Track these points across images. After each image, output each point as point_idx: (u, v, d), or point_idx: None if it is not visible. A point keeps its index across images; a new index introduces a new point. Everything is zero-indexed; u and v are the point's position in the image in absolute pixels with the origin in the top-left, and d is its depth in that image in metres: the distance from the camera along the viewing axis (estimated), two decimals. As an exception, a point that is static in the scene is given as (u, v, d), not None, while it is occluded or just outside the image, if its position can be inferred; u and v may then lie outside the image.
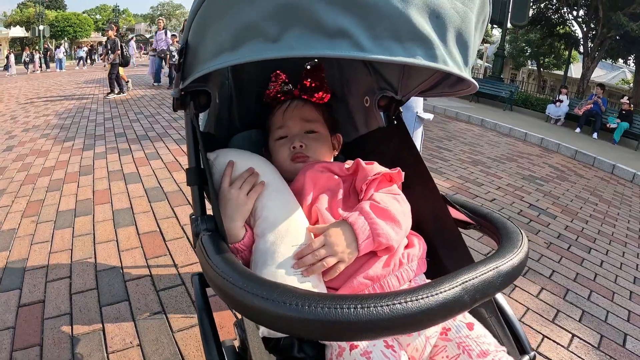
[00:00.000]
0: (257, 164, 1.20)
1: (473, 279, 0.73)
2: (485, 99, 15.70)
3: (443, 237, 1.27)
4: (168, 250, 3.20)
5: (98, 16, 76.05)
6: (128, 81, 13.45)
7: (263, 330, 1.04)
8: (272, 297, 0.65)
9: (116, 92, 12.20)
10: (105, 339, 2.30)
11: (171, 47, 13.64)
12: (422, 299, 0.65)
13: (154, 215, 3.79)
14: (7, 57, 31.32)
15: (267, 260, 1.02)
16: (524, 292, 3.12)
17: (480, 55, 38.10)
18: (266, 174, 1.18)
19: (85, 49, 39.83)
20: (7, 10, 66.02)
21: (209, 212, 1.08)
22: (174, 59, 13.41)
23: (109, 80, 12.26)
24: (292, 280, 0.98)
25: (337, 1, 0.70)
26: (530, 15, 18.41)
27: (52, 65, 32.74)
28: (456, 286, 0.70)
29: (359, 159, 1.25)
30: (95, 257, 3.11)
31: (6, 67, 30.67)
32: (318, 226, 1.09)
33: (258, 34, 0.75)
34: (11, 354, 2.23)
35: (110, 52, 12.16)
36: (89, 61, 37.29)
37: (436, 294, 0.67)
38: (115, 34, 12.39)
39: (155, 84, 15.27)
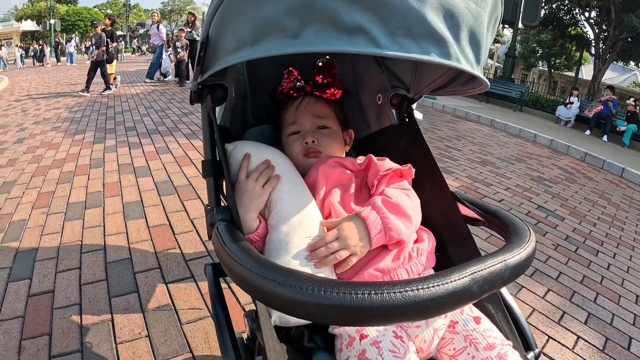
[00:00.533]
0: (273, 157, 1.22)
1: (482, 270, 0.76)
2: (495, 99, 15.68)
3: (452, 233, 1.29)
4: (177, 243, 3.22)
5: (109, 10, 76.27)
6: (116, 78, 13.20)
7: (275, 319, 1.06)
8: (289, 283, 0.67)
9: (108, 90, 11.94)
10: (114, 330, 2.33)
11: (177, 43, 13.54)
12: (433, 287, 0.67)
13: (164, 209, 3.82)
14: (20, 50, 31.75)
15: (280, 251, 1.04)
16: (531, 292, 3.12)
17: (491, 55, 37.99)
18: (282, 167, 1.20)
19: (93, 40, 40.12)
20: (19, 4, 66.44)
21: (224, 203, 1.11)
22: (179, 55, 13.45)
23: (88, 76, 11.83)
24: (305, 271, 0.98)
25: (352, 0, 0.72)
26: (541, 15, 18.29)
27: (62, 59, 32.88)
28: (465, 276, 0.72)
29: (371, 155, 1.27)
30: (105, 249, 3.14)
31: (39, 59, 31.33)
32: (331, 220, 1.10)
33: (278, 30, 0.77)
34: (20, 342, 2.26)
35: (94, 47, 11.83)
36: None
37: (446, 283, 0.69)
38: (106, 28, 12.20)
39: (147, 80, 15.03)
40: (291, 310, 0.70)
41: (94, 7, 74.66)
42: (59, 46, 37.58)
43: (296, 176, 1.24)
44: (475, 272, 0.74)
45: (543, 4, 18.81)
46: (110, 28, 12.08)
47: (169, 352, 2.19)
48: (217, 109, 1.38)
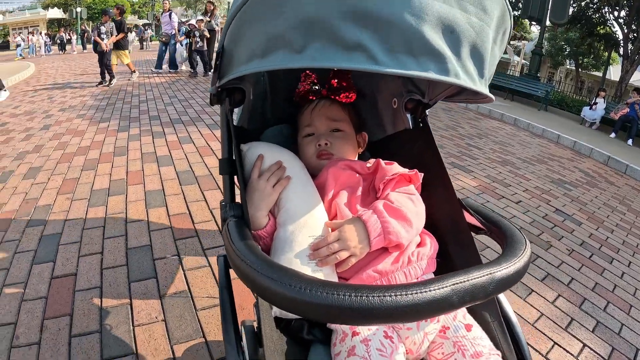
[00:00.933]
0: (285, 158, 1.29)
1: (464, 282, 0.79)
2: (520, 97, 15.43)
3: (456, 239, 1.33)
4: (196, 232, 3.32)
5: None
6: (134, 71, 13.02)
7: (275, 311, 1.14)
8: (280, 280, 0.74)
9: (106, 81, 11.68)
10: (132, 313, 2.44)
11: (196, 32, 13.30)
12: (411, 294, 0.72)
13: (184, 198, 3.93)
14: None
15: (285, 248, 1.11)
16: (541, 297, 3.13)
17: (517, 51, 37.48)
18: (293, 168, 1.27)
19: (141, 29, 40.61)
20: None
21: (238, 200, 1.18)
22: (199, 45, 13.31)
23: (107, 68, 11.61)
24: (307, 269, 1.07)
25: (355, 17, 0.77)
26: (570, 13, 17.96)
27: (88, 46, 33.33)
28: (446, 287, 0.76)
29: (380, 159, 1.32)
30: (126, 235, 3.25)
31: (61, 47, 31.99)
32: (335, 221, 1.17)
33: (284, 44, 0.84)
34: (42, 321, 2.38)
35: (106, 37, 11.44)
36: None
37: (425, 292, 0.73)
38: (115, 17, 11.91)
39: (154, 69, 14.86)
40: (282, 304, 0.77)
41: None
42: (85, 34, 38.09)
43: (306, 178, 1.30)
44: (456, 284, 0.77)
45: (572, 2, 18.53)
46: (119, 17, 11.90)
47: (183, 336, 2.29)
48: (236, 110, 1.46)
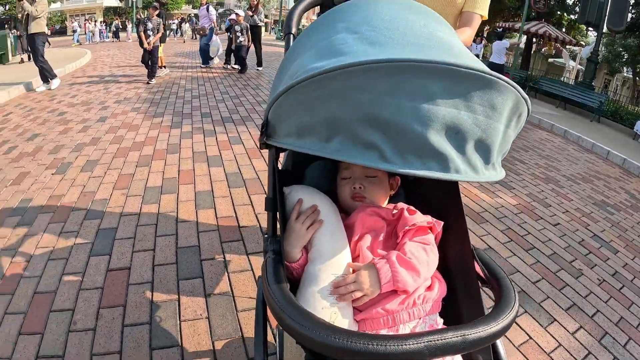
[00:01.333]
0: (320, 203, 1.47)
1: (437, 340, 0.92)
2: (572, 106, 15.24)
3: (465, 287, 1.46)
4: (241, 236, 3.56)
5: None
6: (164, 67, 13.20)
7: None
8: (295, 319, 0.96)
9: (155, 77, 11.63)
10: (179, 309, 2.70)
11: (236, 27, 13.31)
12: (389, 346, 0.89)
13: (232, 201, 4.18)
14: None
15: (312, 282, 1.31)
16: (562, 327, 3.12)
17: (573, 56, 36.65)
18: (326, 213, 1.45)
19: (176, 21, 41.57)
20: None
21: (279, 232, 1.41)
22: (239, 40, 13.31)
23: (152, 65, 11.53)
24: (327, 302, 1.26)
25: (371, 122, 0.94)
26: (628, 20, 17.49)
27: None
28: (421, 343, 0.91)
29: (404, 207, 1.50)
30: (176, 235, 3.52)
31: (116, 35, 33.19)
32: (355, 264, 1.35)
33: (315, 133, 1.04)
34: (98, 310, 2.67)
35: (152, 33, 11.44)
36: (179, 33, 39.00)
37: (401, 346, 0.89)
38: (150, 17, 11.76)
39: (203, 65, 14.97)
40: (300, 341, 0.98)
41: None
42: (140, 22, 39.34)
43: (337, 221, 1.47)
44: (430, 342, 0.91)
45: (631, 8, 18.08)
46: (156, 17, 11.73)
47: (224, 334, 2.53)
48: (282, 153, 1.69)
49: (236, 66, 14.17)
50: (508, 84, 0.97)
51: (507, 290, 1.16)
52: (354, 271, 1.30)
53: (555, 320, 3.18)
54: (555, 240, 4.50)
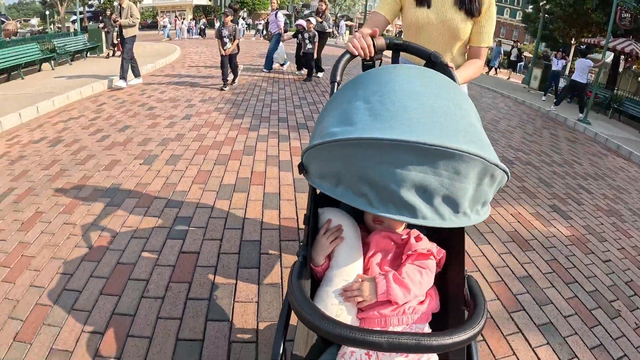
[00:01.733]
0: (345, 224, 1.87)
1: (395, 339, 1.21)
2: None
3: (454, 305, 1.81)
4: (299, 237, 4.04)
5: None
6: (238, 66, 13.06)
7: None
8: (308, 312, 1.29)
9: (229, 80, 11.66)
10: (235, 291, 3.23)
11: (305, 34, 13.04)
12: (363, 336, 1.21)
13: (296, 205, 4.67)
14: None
15: (327, 283, 1.74)
16: None
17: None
18: (347, 232, 1.85)
19: (263, 21, 42.81)
20: None
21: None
22: (308, 47, 13.14)
23: (233, 70, 11.72)
24: (336, 300, 1.68)
25: (362, 179, 1.28)
26: None
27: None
28: (382, 338, 1.20)
29: (412, 234, 1.86)
30: (242, 229, 4.06)
31: (202, 33, 34.69)
32: (363, 275, 1.75)
33: (328, 180, 1.40)
34: (168, 283, 3.28)
35: (229, 40, 11.19)
36: (264, 32, 40.21)
37: (368, 337, 1.20)
38: (226, 24, 11.37)
39: (264, 69, 15.07)
40: (312, 329, 1.31)
41: None
42: None
43: (355, 240, 1.85)
44: (391, 339, 1.20)
45: None
46: (229, 24, 11.32)
47: (268, 317, 3.02)
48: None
49: (304, 72, 14.21)
50: (476, 155, 1.20)
51: (475, 316, 1.38)
52: (361, 280, 1.70)
53: (576, 356, 3.13)
54: (600, 277, 4.30)
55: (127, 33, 10.84)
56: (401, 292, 1.62)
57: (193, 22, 41.65)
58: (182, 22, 39.19)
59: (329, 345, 1.81)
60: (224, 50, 11.13)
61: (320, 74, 14.32)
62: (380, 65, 2.29)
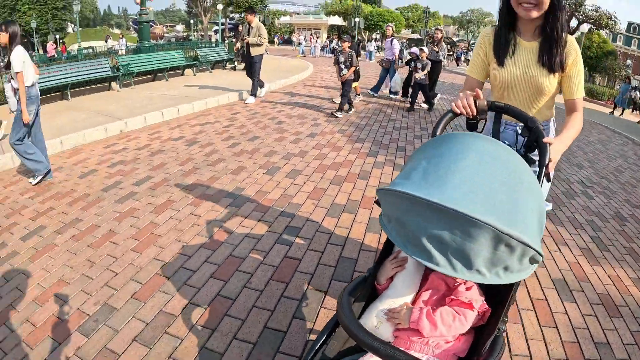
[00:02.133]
0: (410, 258, 2.16)
1: (393, 353, 1.48)
2: None
3: (472, 352, 1.93)
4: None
5: (409, 14, 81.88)
6: (359, 94, 13.53)
7: None
8: (353, 328, 1.57)
9: (345, 109, 11.29)
10: (324, 299, 3.59)
11: (417, 64, 12.45)
12: (387, 350, 1.48)
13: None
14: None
15: (380, 300, 2.04)
16: None
17: None
18: (411, 265, 2.11)
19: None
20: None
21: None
22: (420, 77, 12.45)
23: (342, 97, 11.27)
24: (380, 316, 1.95)
25: (399, 223, 1.60)
26: None
27: (362, 53, 36.55)
28: (397, 354, 1.48)
29: (464, 282, 1.95)
30: (343, 246, 4.44)
31: (334, 52, 36.17)
32: (408, 304, 1.99)
33: (385, 217, 1.74)
34: (269, 280, 3.80)
35: (345, 67, 10.89)
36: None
37: (390, 352, 1.48)
38: (344, 49, 11.07)
39: (370, 91, 15.11)
40: (352, 337, 1.58)
41: (396, 9, 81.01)
42: (360, 43, 42.22)
43: (415, 272, 2.09)
44: (391, 352, 1.48)
45: None
46: (347, 50, 10.94)
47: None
48: None
49: (424, 105, 13.50)
50: (486, 223, 1.37)
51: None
52: (404, 307, 1.98)
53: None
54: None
55: (254, 52, 11.56)
56: (428, 327, 1.80)
57: (327, 41, 43.14)
58: (317, 41, 41.07)
59: (356, 352, 2.04)
60: (340, 76, 11.10)
61: (424, 105, 13.61)
62: (484, 125, 2.56)
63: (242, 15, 47.69)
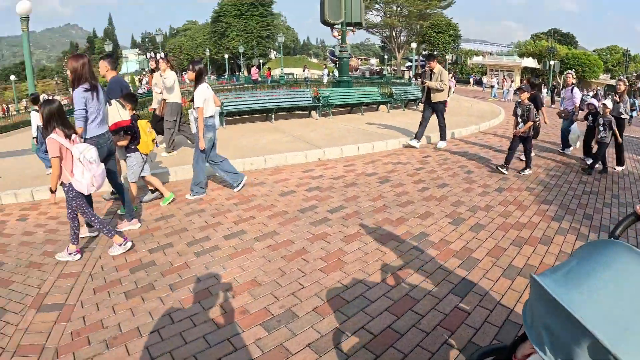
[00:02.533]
0: None
1: None
2: None
3: None
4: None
5: (608, 56, 77.22)
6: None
7: None
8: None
9: (528, 170, 10.55)
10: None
11: (600, 120, 11.14)
12: None
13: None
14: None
15: None
16: None
17: None
18: None
19: (592, 93, 41.21)
20: (522, 39, 74.53)
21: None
22: (602, 135, 11.04)
23: (526, 155, 10.65)
24: None
25: (528, 309, 1.63)
26: None
27: (557, 99, 36.15)
28: None
29: None
30: (511, 310, 4.52)
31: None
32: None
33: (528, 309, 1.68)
34: (436, 325, 4.21)
35: (522, 120, 10.21)
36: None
37: None
38: (522, 101, 10.28)
39: (562, 150, 13.71)
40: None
41: (593, 51, 77.44)
42: (555, 89, 41.31)
43: None
44: None
45: None
46: (525, 102, 10.25)
47: None
48: None
49: (618, 168, 12.15)
50: (595, 335, 1.28)
51: None
52: None
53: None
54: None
55: (435, 98, 11.95)
56: None
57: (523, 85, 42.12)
58: (511, 84, 40.09)
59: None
60: (515, 129, 10.39)
61: (619, 168, 12.19)
62: None
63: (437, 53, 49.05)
